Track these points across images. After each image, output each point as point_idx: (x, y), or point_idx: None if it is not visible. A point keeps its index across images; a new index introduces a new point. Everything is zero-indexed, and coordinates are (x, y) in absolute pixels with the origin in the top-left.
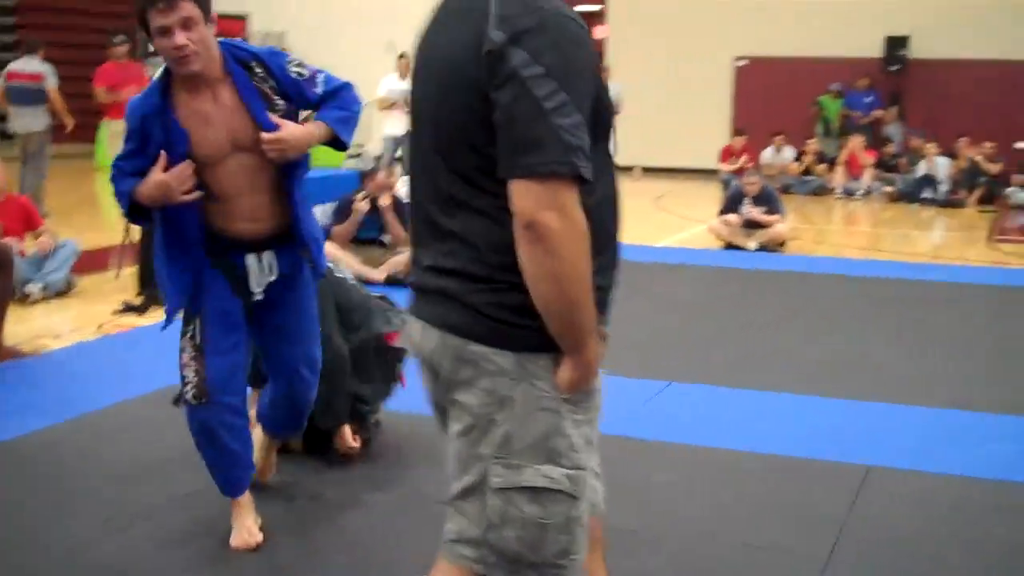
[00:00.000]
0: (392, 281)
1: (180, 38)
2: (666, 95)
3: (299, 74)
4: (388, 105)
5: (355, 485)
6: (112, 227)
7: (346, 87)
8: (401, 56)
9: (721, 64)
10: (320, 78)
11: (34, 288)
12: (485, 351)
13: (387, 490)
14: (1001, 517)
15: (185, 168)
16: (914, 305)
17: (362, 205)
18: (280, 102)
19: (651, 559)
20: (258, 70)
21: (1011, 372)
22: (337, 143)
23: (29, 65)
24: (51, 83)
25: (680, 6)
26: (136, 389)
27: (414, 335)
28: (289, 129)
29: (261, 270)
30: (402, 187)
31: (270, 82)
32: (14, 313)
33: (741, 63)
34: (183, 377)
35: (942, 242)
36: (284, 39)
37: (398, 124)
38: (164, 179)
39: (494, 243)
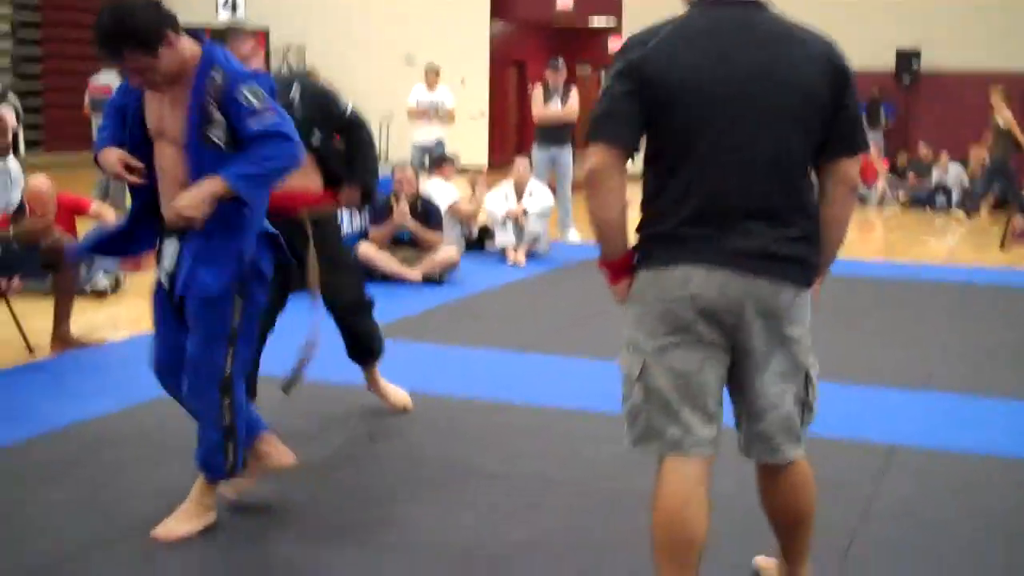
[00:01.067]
0: (428, 279)
1: (133, 80)
2: None
3: (247, 102)
4: (418, 114)
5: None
6: None
7: (276, 139)
8: (429, 67)
9: None
10: (264, 119)
11: (103, 281)
12: (806, 293)
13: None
14: (1012, 492)
15: (124, 154)
16: (929, 304)
17: (403, 208)
18: (218, 117)
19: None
20: (216, 80)
21: (1020, 363)
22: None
23: (107, 78)
24: None
25: None
26: None
27: (725, 283)
28: (183, 198)
29: (170, 257)
30: (429, 188)
31: (217, 96)
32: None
33: None
34: None
35: (957, 246)
36: (304, 53)
37: (427, 133)
38: (107, 154)
39: (814, 213)
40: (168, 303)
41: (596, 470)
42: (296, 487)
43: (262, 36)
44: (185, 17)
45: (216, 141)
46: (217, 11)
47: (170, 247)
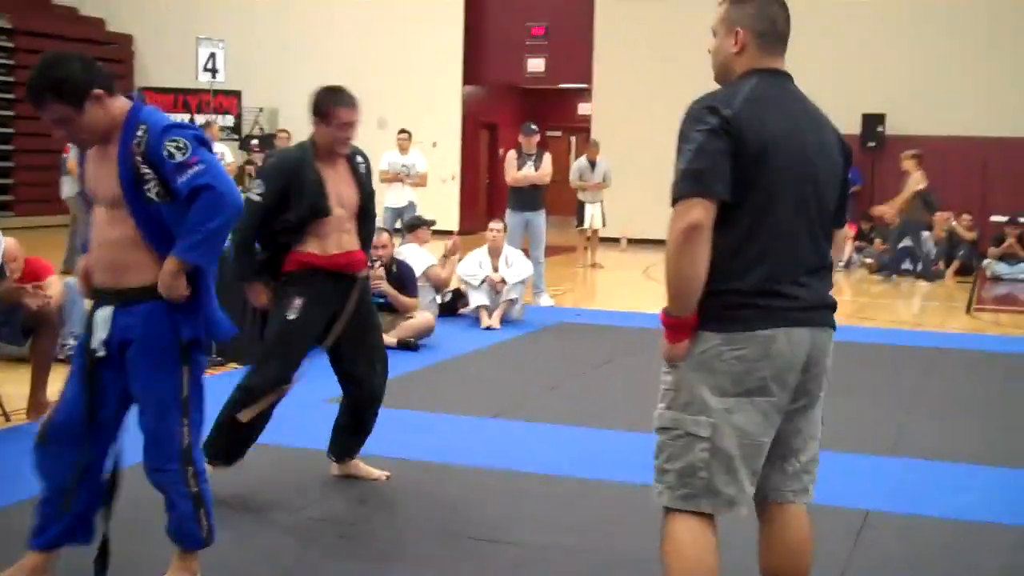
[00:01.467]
0: (404, 344)
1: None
2: (649, 169)
3: (171, 155)
4: (390, 178)
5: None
6: None
7: (204, 195)
8: (401, 132)
9: None
10: (188, 172)
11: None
12: None
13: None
14: (987, 558)
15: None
16: (898, 369)
17: (378, 272)
18: (148, 171)
19: None
20: (141, 137)
21: (985, 429)
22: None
23: None
24: None
25: (661, 83)
26: None
27: (803, 340)
28: (162, 287)
29: (103, 325)
30: (404, 253)
31: (142, 149)
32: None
33: None
34: None
35: (923, 311)
36: (276, 115)
37: (398, 196)
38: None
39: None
40: (87, 370)
41: (579, 534)
42: (287, 551)
43: (234, 99)
44: (168, 81)
45: (154, 198)
46: (197, 75)
47: (102, 313)
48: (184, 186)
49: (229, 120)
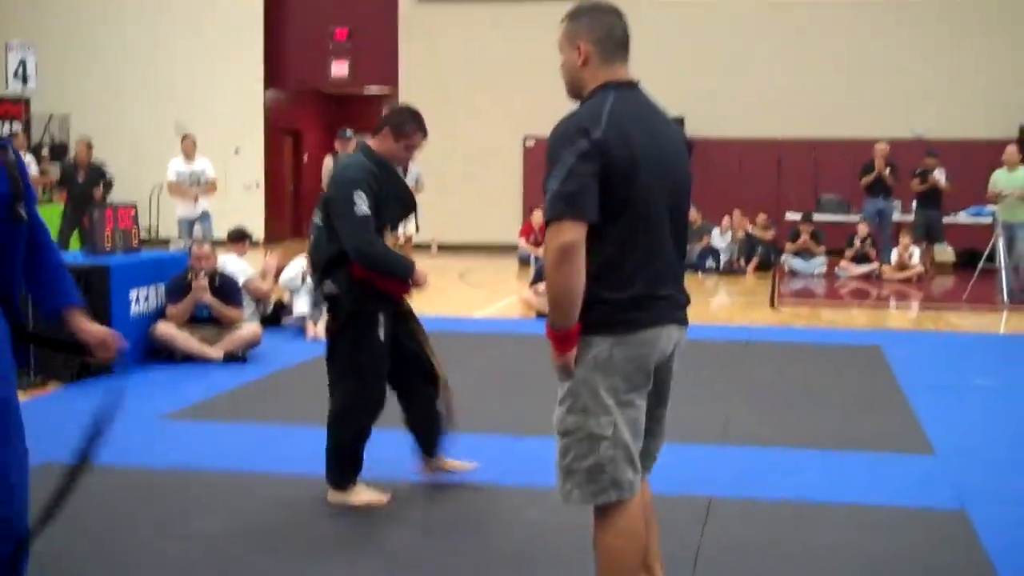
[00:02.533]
0: (231, 357)
1: None
2: (460, 175)
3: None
4: (178, 192)
5: None
6: None
7: (37, 236)
8: (184, 137)
9: (512, 144)
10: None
11: None
12: None
13: None
14: (825, 533)
15: None
16: (714, 361)
17: (202, 283)
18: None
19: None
20: (9, 154)
21: (802, 415)
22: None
23: None
24: None
25: (471, 88)
26: None
27: (672, 335)
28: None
29: None
30: (227, 264)
31: (14, 170)
32: None
33: (530, 143)
34: None
35: (730, 306)
36: (68, 121)
37: (190, 206)
38: None
39: None
40: None
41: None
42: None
43: (21, 104)
44: None
45: (23, 215)
46: (7, 83)
47: None
48: (33, 219)
49: (16, 127)
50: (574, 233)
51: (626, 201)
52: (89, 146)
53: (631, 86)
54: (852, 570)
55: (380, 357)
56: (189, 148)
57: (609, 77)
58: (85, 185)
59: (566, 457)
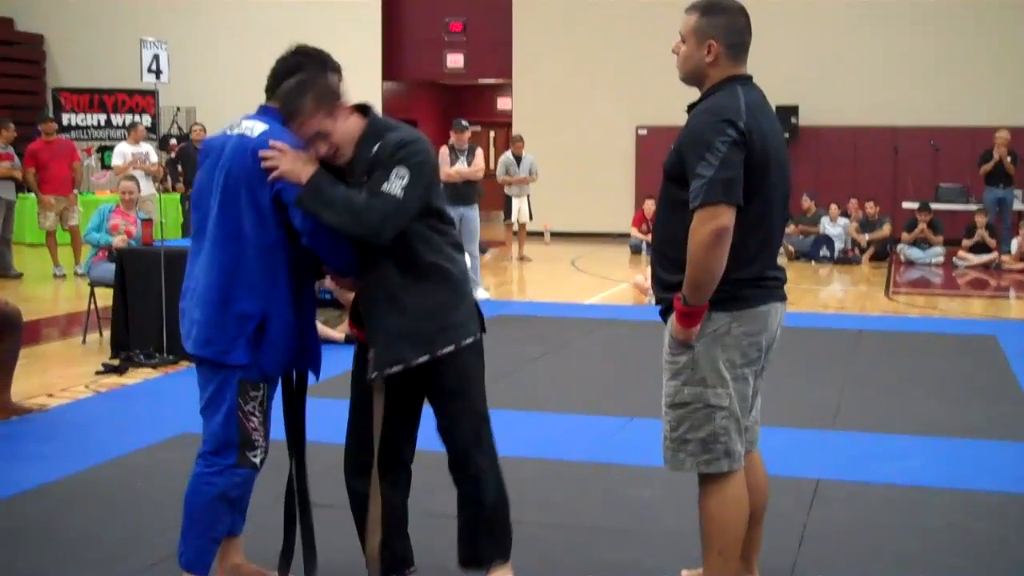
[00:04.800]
0: (351, 340)
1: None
2: (572, 163)
3: None
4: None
5: None
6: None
7: None
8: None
9: (624, 133)
10: None
11: None
12: None
13: None
14: (932, 517)
15: None
16: (829, 350)
17: (326, 269)
18: None
19: (634, 551)
20: None
21: (913, 402)
22: None
23: None
24: None
25: (584, 78)
26: (148, 438)
27: (780, 311)
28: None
29: None
30: None
31: None
32: None
33: (643, 132)
34: (253, 440)
35: (844, 296)
36: (194, 114)
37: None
38: None
39: None
40: None
41: (555, 511)
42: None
43: (151, 97)
44: (82, 80)
45: None
46: (142, 77)
47: None
48: None
49: (147, 120)
50: (727, 217)
51: (758, 188)
52: (203, 129)
53: (751, 81)
54: (956, 553)
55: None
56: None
57: (734, 72)
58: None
59: (679, 428)
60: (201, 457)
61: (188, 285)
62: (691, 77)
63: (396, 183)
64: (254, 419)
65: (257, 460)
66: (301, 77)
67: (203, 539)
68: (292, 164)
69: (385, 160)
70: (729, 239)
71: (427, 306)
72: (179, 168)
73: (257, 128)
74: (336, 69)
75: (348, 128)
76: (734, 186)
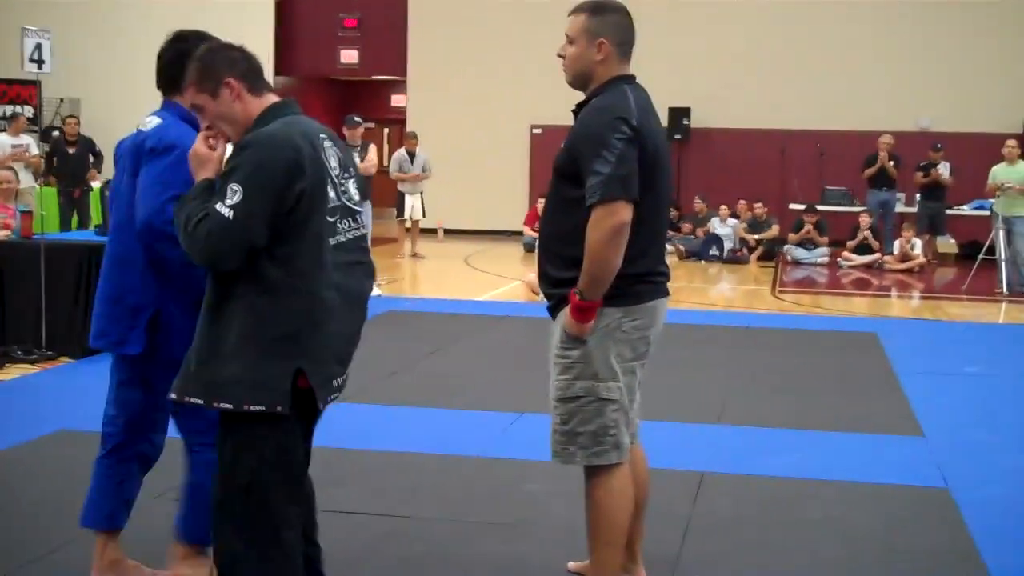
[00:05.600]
0: None
1: None
2: (467, 161)
3: None
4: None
5: None
6: None
7: None
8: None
9: (519, 132)
10: None
11: None
12: None
13: None
14: (816, 507)
15: None
16: (716, 346)
17: None
18: None
19: (523, 544)
20: None
21: (797, 397)
22: None
23: None
24: None
25: (479, 76)
26: (24, 435)
27: (665, 306)
28: None
29: None
30: None
31: None
32: None
33: (537, 131)
34: None
35: (732, 294)
36: (79, 106)
37: None
38: None
39: None
40: None
41: (443, 505)
42: None
43: (33, 88)
44: None
45: None
46: (23, 66)
47: None
48: None
49: (28, 111)
50: (626, 213)
51: (649, 186)
52: (77, 122)
53: (636, 80)
54: (837, 543)
55: None
56: (19, 125)
57: (620, 72)
58: (75, 159)
59: (570, 422)
60: (201, 448)
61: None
62: (579, 78)
63: (228, 198)
64: None
65: None
66: (182, 49)
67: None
68: (192, 162)
69: (226, 166)
70: (627, 234)
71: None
72: (53, 161)
73: (153, 122)
74: (223, 47)
75: (231, 111)
76: (631, 182)
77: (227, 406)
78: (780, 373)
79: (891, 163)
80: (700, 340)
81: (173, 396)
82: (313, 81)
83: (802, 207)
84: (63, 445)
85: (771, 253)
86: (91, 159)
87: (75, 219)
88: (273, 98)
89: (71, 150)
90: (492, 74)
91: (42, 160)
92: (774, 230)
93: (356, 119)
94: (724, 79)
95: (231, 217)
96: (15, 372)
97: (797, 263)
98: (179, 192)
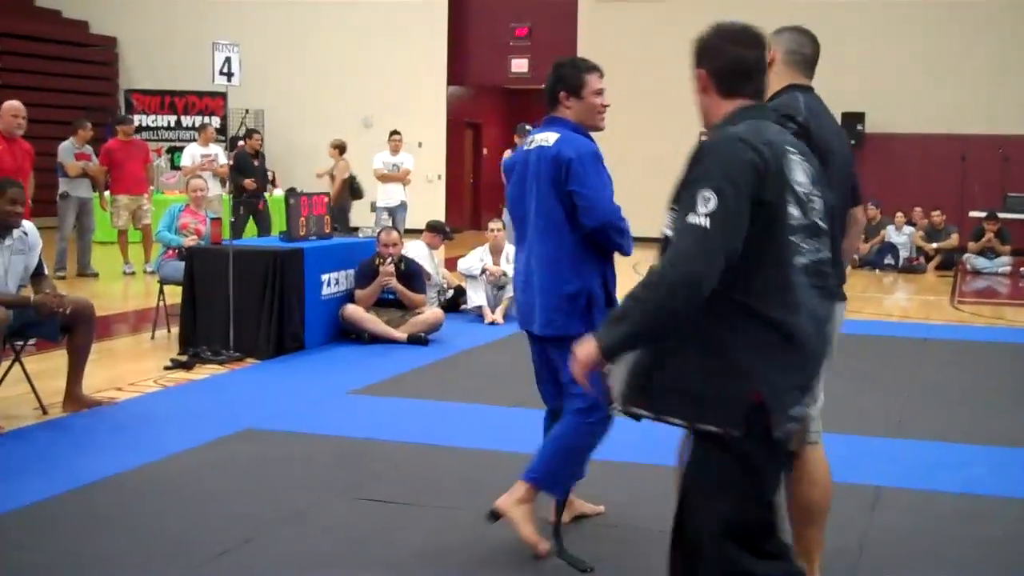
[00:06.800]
0: (414, 340)
1: None
2: (639, 174)
3: None
4: (383, 177)
5: None
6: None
7: None
8: (394, 133)
9: (689, 142)
10: None
11: None
12: None
13: None
14: (996, 525)
15: None
16: (893, 358)
17: (388, 268)
18: None
19: None
20: None
21: (976, 411)
22: None
23: None
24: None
25: (647, 84)
26: (213, 433)
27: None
28: None
29: None
30: (411, 250)
31: None
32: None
33: (704, 137)
34: None
35: (908, 304)
36: (263, 116)
37: (389, 196)
38: None
39: None
40: None
41: (620, 509)
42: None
43: (220, 99)
44: (153, 82)
45: None
46: (213, 79)
47: None
48: None
49: (215, 122)
50: None
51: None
52: (260, 138)
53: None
54: (1019, 563)
55: None
56: (397, 144)
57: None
58: (258, 171)
59: None
60: (578, 413)
61: (518, 279)
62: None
63: (700, 208)
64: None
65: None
66: (559, 74)
67: (565, 473)
68: (577, 364)
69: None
70: None
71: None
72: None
73: (551, 138)
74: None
75: (698, 99)
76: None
77: (677, 421)
78: (959, 386)
79: None
80: (875, 351)
81: (618, 405)
82: (484, 89)
83: (983, 214)
84: (248, 443)
85: (950, 262)
86: (270, 172)
87: (250, 227)
88: (745, 102)
89: (255, 163)
90: (663, 83)
91: (229, 169)
92: (953, 239)
93: (527, 127)
94: (900, 82)
95: (708, 226)
96: (205, 372)
97: (977, 272)
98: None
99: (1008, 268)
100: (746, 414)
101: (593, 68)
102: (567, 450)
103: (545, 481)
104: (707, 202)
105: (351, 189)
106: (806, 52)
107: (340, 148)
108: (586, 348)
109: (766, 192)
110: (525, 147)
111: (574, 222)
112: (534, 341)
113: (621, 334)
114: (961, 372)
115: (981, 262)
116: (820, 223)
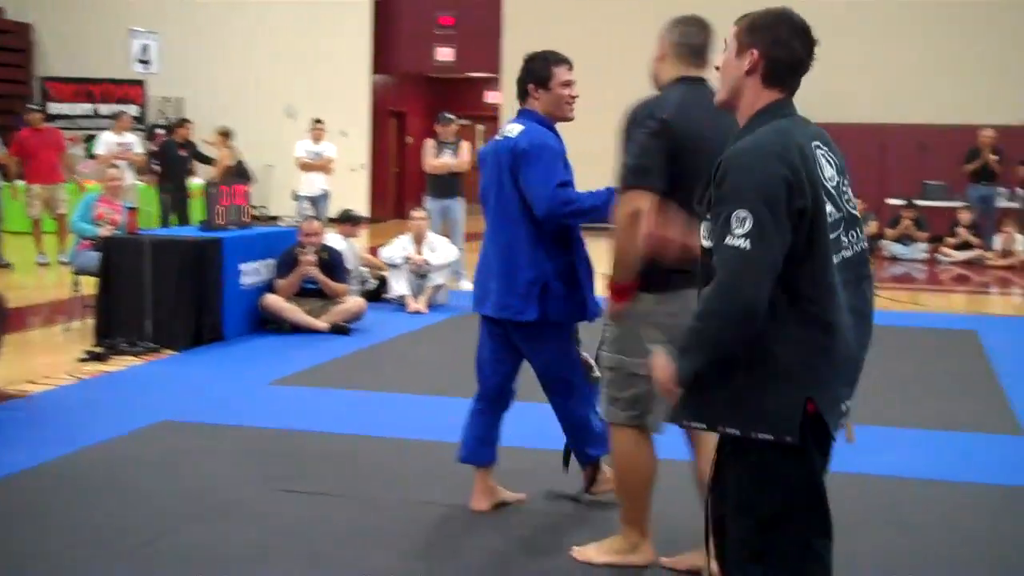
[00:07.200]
0: (336, 329)
1: None
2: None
3: None
4: (305, 166)
5: None
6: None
7: None
8: (317, 122)
9: (615, 130)
10: None
11: None
12: None
13: None
14: (901, 508)
15: None
16: None
17: (310, 258)
18: None
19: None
20: None
21: (895, 395)
22: None
23: None
24: None
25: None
26: (130, 425)
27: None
28: None
29: None
30: (332, 241)
31: None
32: None
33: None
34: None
35: None
36: (183, 104)
37: (310, 185)
38: None
39: None
40: None
41: (549, 498)
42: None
43: (139, 88)
44: (69, 71)
45: None
46: (131, 66)
47: None
48: None
49: (134, 110)
50: (643, 201)
51: (683, 176)
52: (192, 125)
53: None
54: (943, 545)
55: None
56: (319, 133)
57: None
58: (184, 161)
59: (610, 387)
60: (566, 397)
61: (479, 263)
62: (652, 79)
63: (737, 230)
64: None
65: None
66: (529, 67)
67: (597, 433)
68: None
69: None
70: (642, 219)
71: None
72: (159, 161)
73: (515, 129)
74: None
75: (731, 74)
76: (649, 172)
77: (733, 431)
78: (877, 371)
79: (993, 157)
80: None
81: (673, 420)
82: (409, 78)
83: (900, 202)
84: (166, 435)
85: (868, 249)
86: (193, 162)
87: (173, 218)
88: (780, 96)
89: (182, 153)
90: (588, 73)
91: (146, 158)
92: (871, 226)
93: (449, 116)
94: (822, 73)
95: (748, 247)
96: (121, 364)
97: (895, 259)
98: (561, 180)
99: (925, 254)
100: (801, 422)
101: (562, 61)
102: (582, 419)
103: (603, 446)
104: (743, 223)
105: (238, 173)
106: (693, 42)
107: (225, 134)
108: (664, 374)
109: (801, 200)
110: (496, 137)
111: (527, 210)
112: (488, 322)
113: (689, 367)
114: (878, 357)
115: (898, 249)
116: (855, 212)
